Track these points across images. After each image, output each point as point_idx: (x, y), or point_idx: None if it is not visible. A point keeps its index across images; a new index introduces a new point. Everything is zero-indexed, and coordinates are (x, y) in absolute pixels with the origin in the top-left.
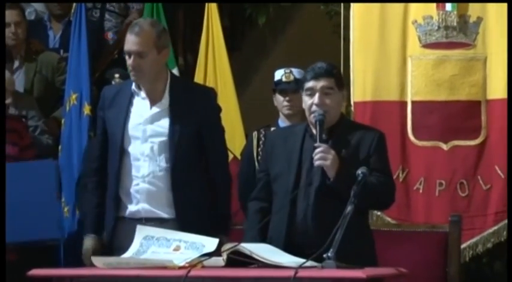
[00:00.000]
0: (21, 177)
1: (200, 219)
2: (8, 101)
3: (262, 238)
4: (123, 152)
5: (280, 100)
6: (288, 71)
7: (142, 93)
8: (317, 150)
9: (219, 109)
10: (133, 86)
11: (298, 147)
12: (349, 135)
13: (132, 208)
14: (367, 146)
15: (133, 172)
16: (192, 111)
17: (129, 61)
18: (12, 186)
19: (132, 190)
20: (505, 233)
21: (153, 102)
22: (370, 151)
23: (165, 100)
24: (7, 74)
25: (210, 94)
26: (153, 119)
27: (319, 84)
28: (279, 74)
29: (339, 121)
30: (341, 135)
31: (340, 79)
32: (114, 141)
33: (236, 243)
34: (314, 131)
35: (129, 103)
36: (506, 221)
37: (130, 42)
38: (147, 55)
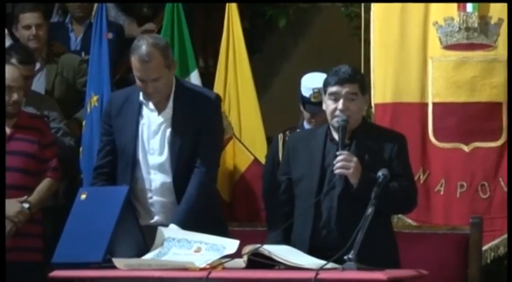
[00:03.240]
0: (95, 201)
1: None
2: (14, 97)
3: (285, 240)
4: (135, 165)
5: (307, 115)
6: (316, 90)
7: (151, 105)
8: (338, 158)
9: (219, 117)
10: (141, 97)
11: (320, 150)
12: (371, 139)
13: (147, 220)
14: (389, 150)
15: (146, 185)
16: (192, 121)
17: (142, 84)
18: (86, 209)
19: (146, 203)
20: None
21: (160, 111)
22: (392, 155)
23: (169, 109)
24: (8, 71)
25: (211, 102)
26: (160, 131)
27: (344, 89)
28: (307, 91)
29: (361, 124)
30: (363, 139)
31: (363, 84)
32: (125, 154)
33: (257, 245)
34: (334, 135)
35: (138, 114)
36: None
37: (142, 70)
38: (162, 77)
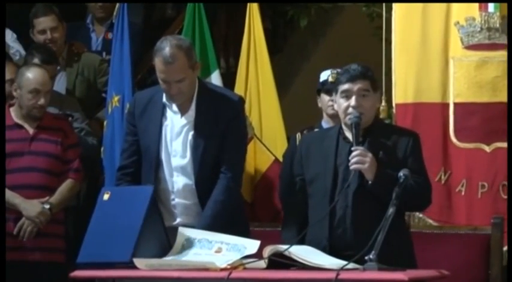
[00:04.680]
0: (119, 201)
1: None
2: (41, 101)
3: (300, 241)
4: (158, 167)
5: (325, 100)
6: (334, 71)
7: (174, 107)
8: (354, 153)
9: (242, 119)
10: (165, 99)
11: (333, 149)
12: (384, 137)
13: (170, 221)
14: (403, 147)
15: (169, 187)
16: (215, 124)
17: (165, 85)
18: (110, 209)
19: (168, 205)
20: None
21: (183, 113)
22: (407, 152)
23: (192, 111)
24: (38, 74)
25: (234, 104)
26: (182, 133)
27: (356, 86)
28: (325, 75)
29: (373, 123)
30: (376, 137)
31: (374, 81)
32: (149, 155)
33: (279, 246)
34: (347, 134)
35: (162, 115)
36: None
37: (166, 72)
38: (186, 78)
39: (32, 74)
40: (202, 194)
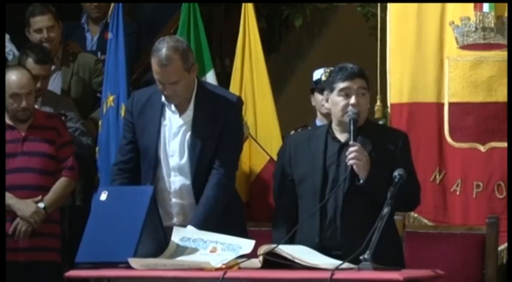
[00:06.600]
0: (118, 201)
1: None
2: (23, 104)
3: (290, 241)
4: (156, 166)
5: (319, 99)
6: (327, 70)
7: (173, 106)
8: (352, 148)
9: (240, 120)
10: (163, 99)
11: (321, 149)
12: (374, 137)
13: (167, 221)
14: (393, 147)
15: (166, 187)
16: (213, 124)
17: (161, 86)
18: (108, 209)
19: (165, 205)
20: None
21: (181, 112)
22: (396, 152)
23: (190, 111)
24: (16, 77)
25: (233, 105)
26: (180, 133)
27: (356, 84)
28: (318, 74)
29: (364, 123)
30: (367, 136)
31: (369, 81)
32: (148, 155)
33: (273, 245)
34: (336, 133)
35: (161, 115)
36: None
37: (161, 73)
38: (181, 81)
39: (10, 78)
40: (200, 194)
